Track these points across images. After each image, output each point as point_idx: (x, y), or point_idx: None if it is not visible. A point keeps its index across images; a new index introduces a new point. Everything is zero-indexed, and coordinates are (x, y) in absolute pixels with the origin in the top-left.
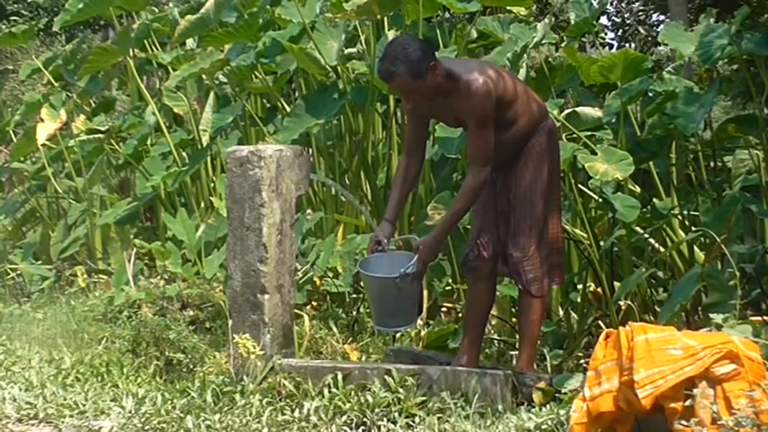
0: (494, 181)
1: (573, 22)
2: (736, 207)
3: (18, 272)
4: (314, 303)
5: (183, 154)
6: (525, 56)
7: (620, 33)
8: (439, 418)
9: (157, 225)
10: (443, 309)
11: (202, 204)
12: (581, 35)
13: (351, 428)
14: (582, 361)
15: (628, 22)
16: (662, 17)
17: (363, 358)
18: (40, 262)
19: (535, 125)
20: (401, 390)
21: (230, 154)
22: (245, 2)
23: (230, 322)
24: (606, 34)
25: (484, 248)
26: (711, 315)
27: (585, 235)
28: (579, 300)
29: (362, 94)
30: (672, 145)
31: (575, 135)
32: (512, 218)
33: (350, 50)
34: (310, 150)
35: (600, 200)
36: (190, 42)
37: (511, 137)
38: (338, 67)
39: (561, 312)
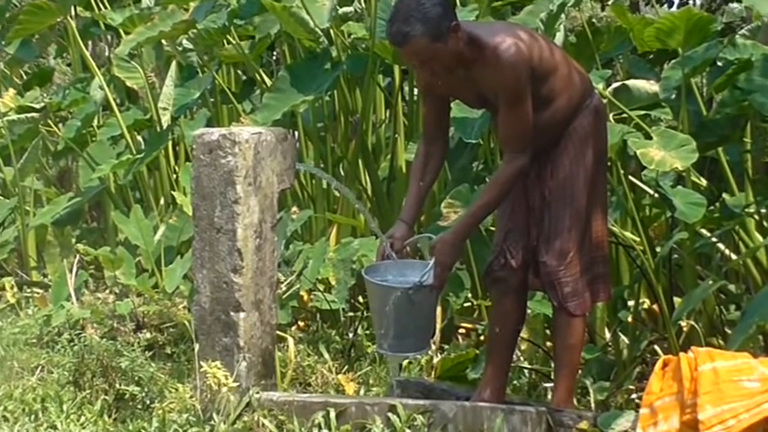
0: (525, 172)
1: None
2: None
3: None
4: (300, 323)
5: (138, 138)
6: (563, 16)
7: None
8: None
9: (106, 226)
10: (461, 330)
11: (162, 200)
12: None
13: None
14: (633, 395)
15: None
16: None
17: (362, 391)
18: None
19: (577, 104)
20: (408, 430)
21: (197, 138)
22: None
23: (196, 347)
24: None
25: (511, 255)
26: None
27: (638, 239)
28: (630, 319)
29: (361, 63)
30: (746, 127)
31: (624, 115)
32: (546, 217)
33: (345, 9)
34: (296, 134)
35: (656, 195)
36: None
37: (548, 119)
38: (331, 31)
39: (608, 335)
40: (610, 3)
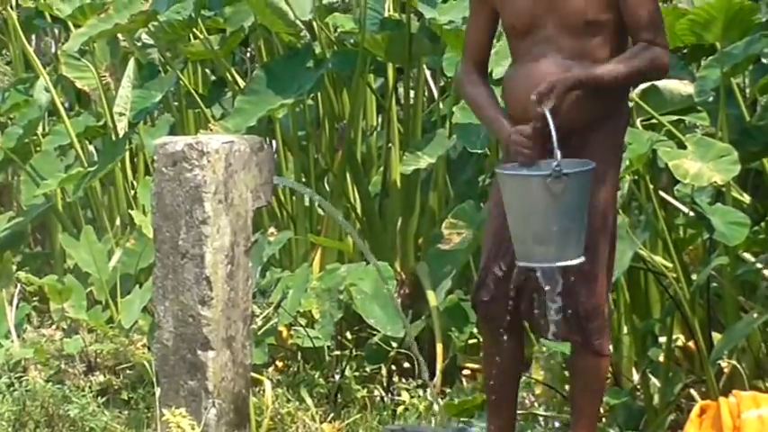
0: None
1: None
2: None
3: None
4: (279, 364)
5: (90, 148)
6: None
7: None
8: None
9: (52, 251)
10: (465, 371)
11: (118, 221)
12: None
13: None
14: None
15: None
16: None
17: None
18: None
19: (619, 102)
20: None
21: (158, 148)
22: None
23: (158, 391)
24: None
25: (505, 280)
26: None
27: (670, 265)
28: (662, 358)
29: (348, 61)
30: None
31: (654, 120)
32: None
33: None
34: (274, 143)
35: (691, 214)
36: None
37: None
38: (314, 23)
39: (636, 377)
40: None
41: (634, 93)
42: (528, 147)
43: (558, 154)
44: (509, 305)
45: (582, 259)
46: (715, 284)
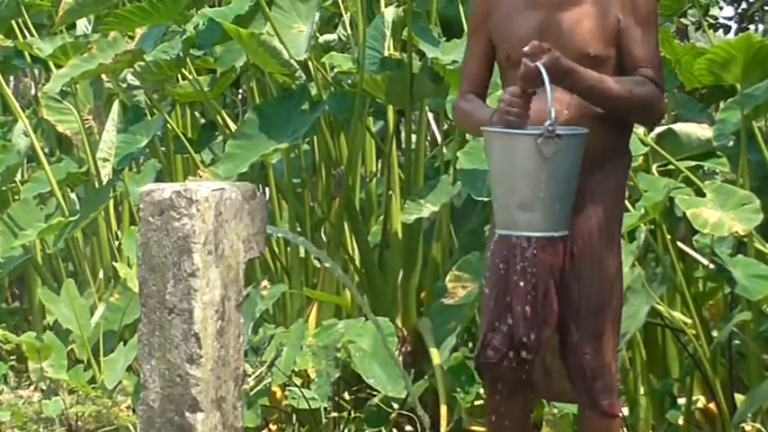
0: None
1: None
2: None
3: None
4: (272, 426)
5: (72, 196)
6: None
7: (740, 9)
8: None
9: (30, 306)
10: None
11: (101, 274)
12: (679, 12)
13: None
14: None
15: None
16: None
17: None
18: None
19: (627, 137)
20: None
21: (144, 196)
22: None
23: None
24: (720, 9)
25: (511, 334)
26: None
27: (689, 320)
28: (681, 421)
29: (346, 103)
30: None
31: (671, 166)
32: (576, 285)
33: (327, 37)
34: (267, 190)
35: (711, 266)
36: (83, 24)
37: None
38: (309, 63)
39: None
40: None
41: (650, 137)
42: (518, 106)
43: (553, 112)
44: (517, 365)
45: (566, 233)
46: (737, 342)
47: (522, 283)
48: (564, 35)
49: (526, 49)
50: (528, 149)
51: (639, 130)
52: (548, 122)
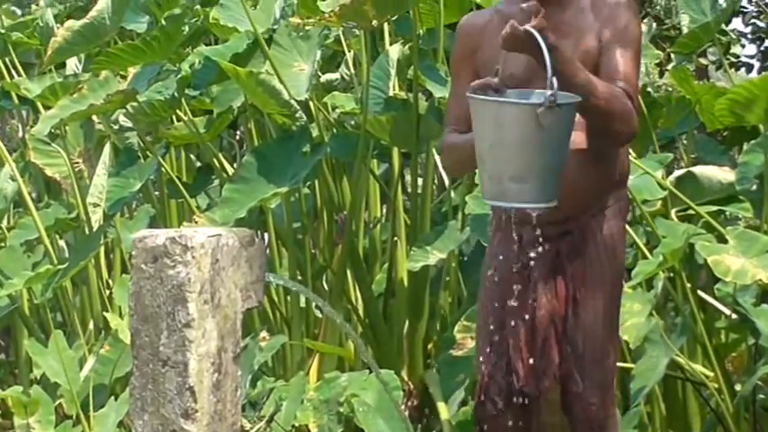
0: (532, 256)
1: (686, 29)
2: None
3: None
4: None
5: (61, 243)
6: None
7: (763, 47)
8: None
9: (17, 359)
10: None
11: (91, 325)
12: (699, 50)
13: None
14: None
15: None
16: None
17: None
18: None
19: (624, 176)
20: None
21: (137, 242)
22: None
23: None
24: (741, 47)
25: (521, 383)
26: None
27: (711, 373)
28: None
29: (349, 145)
30: None
31: (691, 211)
32: (580, 334)
33: (329, 76)
34: (266, 236)
35: (734, 316)
36: (73, 63)
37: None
38: (310, 103)
39: None
40: (670, 67)
41: (669, 180)
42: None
43: (555, 82)
44: (517, 416)
45: (556, 203)
46: (762, 396)
47: (522, 330)
48: None
49: (524, 5)
50: (527, 119)
51: (658, 173)
52: (549, 93)
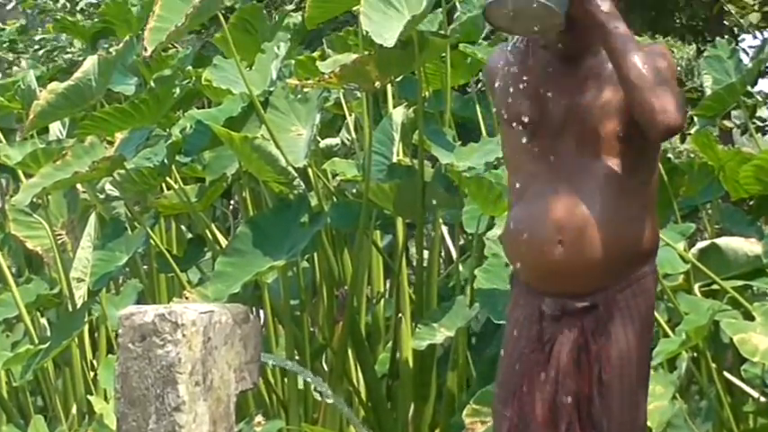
0: (552, 331)
1: (709, 90)
2: None
3: None
4: None
5: (43, 321)
6: None
7: None
8: None
9: None
10: None
11: (74, 409)
12: (723, 113)
13: None
14: None
15: None
16: None
17: None
18: None
19: (653, 245)
20: None
21: (124, 320)
22: (151, 60)
23: None
24: None
25: None
26: None
27: None
28: None
29: (350, 215)
30: None
31: (715, 286)
32: (604, 419)
33: (329, 141)
34: (262, 313)
35: (762, 399)
36: (56, 128)
37: (628, 226)
38: (309, 170)
39: None
40: (692, 132)
41: (691, 253)
42: None
43: None
44: None
45: (562, 20)
46: None
47: (543, 413)
48: (581, 109)
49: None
50: None
51: (679, 245)
52: None
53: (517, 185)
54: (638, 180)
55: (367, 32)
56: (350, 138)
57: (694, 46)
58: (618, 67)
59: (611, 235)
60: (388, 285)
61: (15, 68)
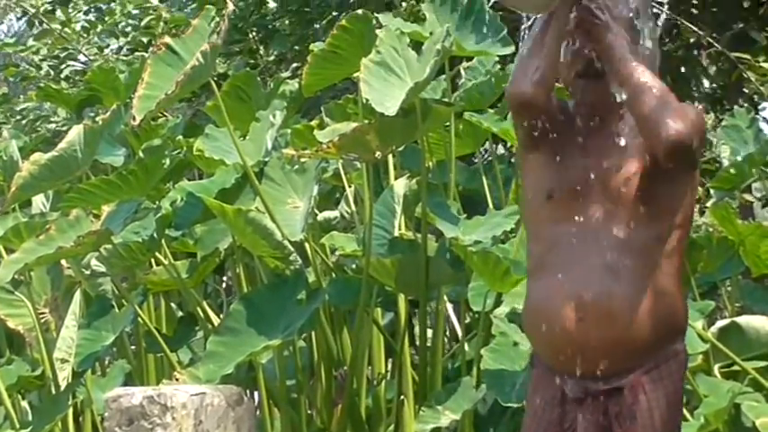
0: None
1: (727, 161)
2: None
3: None
4: None
5: (24, 404)
6: None
7: None
8: None
9: None
10: None
11: None
12: (742, 186)
13: None
14: None
15: None
16: None
17: None
18: None
19: (682, 324)
20: None
21: (110, 402)
22: (139, 129)
23: None
24: None
25: None
26: None
27: None
28: None
29: (350, 292)
30: None
31: (735, 367)
32: None
33: (327, 214)
34: (256, 395)
35: None
36: (39, 201)
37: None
38: (306, 245)
39: None
40: (709, 204)
41: (710, 332)
42: None
43: None
44: None
45: None
46: None
47: None
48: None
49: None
50: None
51: (698, 323)
52: None
53: (536, 254)
54: (666, 250)
55: (367, 100)
56: (349, 210)
57: (712, 115)
58: (616, 74)
59: (638, 310)
60: (389, 366)
61: None
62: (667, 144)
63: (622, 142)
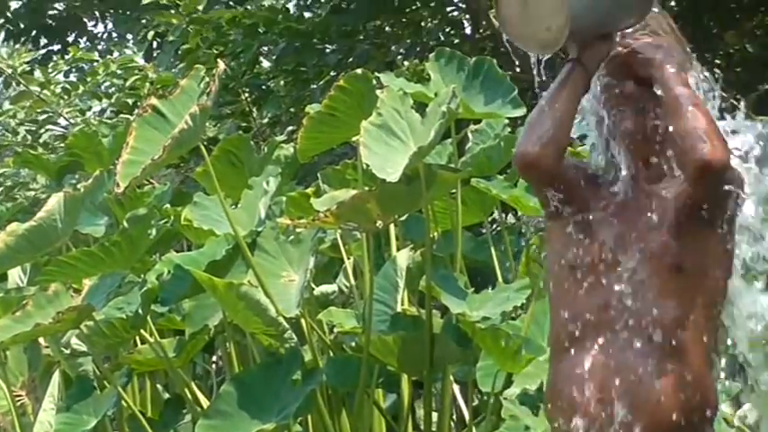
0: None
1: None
2: None
3: None
4: None
5: None
6: None
7: None
8: None
9: None
10: None
11: None
12: None
13: None
14: None
15: None
16: None
17: None
18: None
19: (713, 409)
20: None
21: None
22: (123, 197)
23: None
24: None
25: None
26: None
27: None
28: None
29: (349, 371)
30: None
31: None
32: None
33: (324, 288)
34: None
35: None
36: (16, 274)
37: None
38: (302, 321)
39: None
40: None
41: (737, 415)
42: None
43: None
44: None
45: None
46: None
47: None
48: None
49: None
50: None
51: (723, 406)
52: None
53: (561, 332)
54: (699, 327)
55: (367, 166)
56: (348, 284)
57: None
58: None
59: (667, 395)
60: None
61: None
62: (698, 169)
63: (655, 207)
